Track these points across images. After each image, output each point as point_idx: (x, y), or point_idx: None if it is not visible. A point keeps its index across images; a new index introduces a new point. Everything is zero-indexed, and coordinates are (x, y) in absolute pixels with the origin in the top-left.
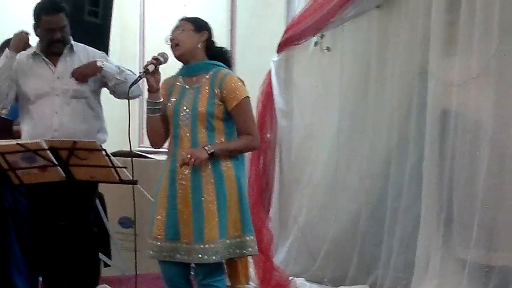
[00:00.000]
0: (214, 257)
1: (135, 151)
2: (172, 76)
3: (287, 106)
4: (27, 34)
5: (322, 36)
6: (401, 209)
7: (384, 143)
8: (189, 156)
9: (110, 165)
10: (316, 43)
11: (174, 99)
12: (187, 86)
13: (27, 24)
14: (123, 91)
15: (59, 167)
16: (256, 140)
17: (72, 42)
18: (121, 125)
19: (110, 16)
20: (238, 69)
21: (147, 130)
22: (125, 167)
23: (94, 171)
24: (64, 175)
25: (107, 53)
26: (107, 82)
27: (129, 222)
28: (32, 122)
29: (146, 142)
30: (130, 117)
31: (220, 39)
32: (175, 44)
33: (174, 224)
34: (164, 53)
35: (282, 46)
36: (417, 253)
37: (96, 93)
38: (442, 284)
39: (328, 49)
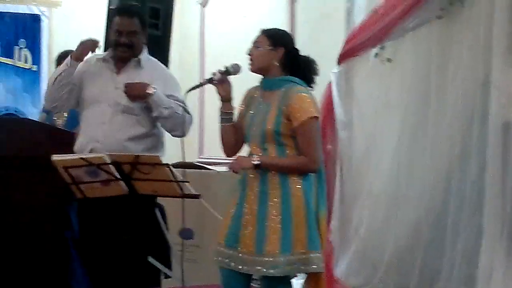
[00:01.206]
0: (272, 271)
1: (195, 162)
2: (255, 86)
3: (347, 118)
4: (95, 42)
5: (382, 47)
6: (463, 221)
7: (446, 154)
8: (234, 161)
9: (173, 179)
10: (376, 54)
11: (251, 112)
12: (262, 100)
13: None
14: (166, 128)
15: (122, 181)
16: (312, 163)
17: (143, 56)
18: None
19: (170, 28)
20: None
21: (220, 139)
22: (187, 181)
23: (157, 185)
24: (127, 189)
25: (166, 65)
26: (152, 111)
27: (189, 233)
28: (82, 130)
29: (206, 153)
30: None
31: None
32: (250, 60)
33: (236, 232)
34: (237, 64)
35: (343, 58)
36: (480, 265)
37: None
38: None
39: (388, 60)
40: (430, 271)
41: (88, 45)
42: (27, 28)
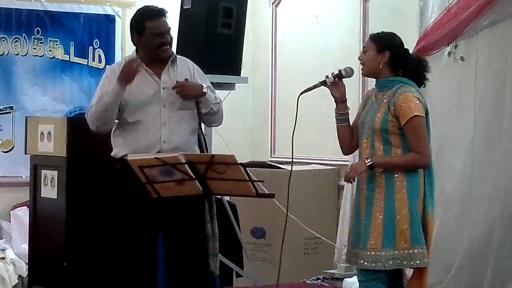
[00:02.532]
0: (374, 264)
1: (268, 162)
2: (373, 87)
3: None
4: (135, 59)
5: (455, 46)
6: None
7: None
8: (349, 170)
9: (247, 179)
10: (449, 53)
11: (365, 111)
12: (375, 100)
13: None
14: (211, 121)
15: (196, 181)
16: (423, 159)
17: (178, 57)
18: (252, 135)
19: (243, 27)
20: (370, 79)
21: (338, 139)
22: (262, 181)
23: (231, 185)
24: (201, 188)
25: (240, 65)
26: (201, 107)
27: (261, 232)
28: (137, 135)
29: (278, 152)
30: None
31: (352, 49)
32: (362, 64)
33: (357, 231)
34: (350, 67)
35: None
36: None
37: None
38: None
39: (462, 59)
40: (503, 272)
41: (132, 65)
42: (101, 29)
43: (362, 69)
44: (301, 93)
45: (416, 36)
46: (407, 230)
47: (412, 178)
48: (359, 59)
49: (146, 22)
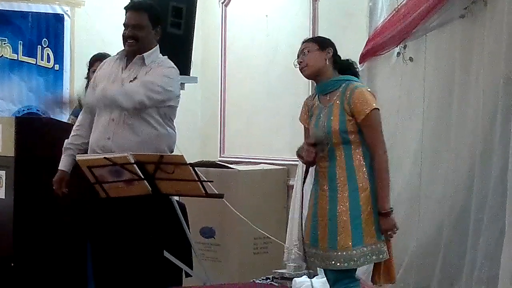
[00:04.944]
0: (346, 264)
1: (217, 161)
2: (310, 96)
3: None
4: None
5: (404, 47)
6: (485, 221)
7: (468, 153)
8: (386, 233)
9: (197, 179)
10: (398, 54)
11: (314, 121)
12: (322, 105)
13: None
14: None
15: (145, 181)
16: (383, 153)
17: (148, 54)
18: (202, 135)
19: (193, 27)
20: None
21: None
22: (211, 181)
23: (180, 185)
24: (150, 188)
25: (189, 65)
26: None
27: (210, 232)
28: (94, 128)
29: (228, 152)
30: None
31: None
32: (303, 66)
33: (315, 231)
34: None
35: (364, 57)
36: (501, 265)
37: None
38: None
39: (410, 59)
40: (451, 270)
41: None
42: (50, 28)
43: (303, 70)
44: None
45: (365, 37)
46: (373, 225)
47: (373, 175)
48: (299, 62)
49: (126, 11)
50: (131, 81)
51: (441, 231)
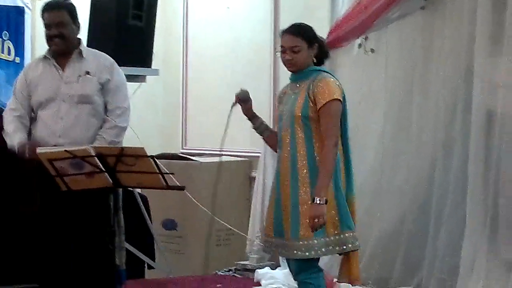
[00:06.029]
0: (307, 253)
1: (179, 154)
2: (286, 85)
3: None
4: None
5: (366, 38)
6: (446, 211)
7: (429, 145)
8: (313, 220)
9: (157, 171)
10: (360, 45)
11: (282, 107)
12: (292, 92)
13: None
14: None
15: (106, 174)
16: (333, 145)
17: (83, 47)
18: (163, 127)
19: (154, 19)
20: (281, 71)
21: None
22: (172, 173)
23: (141, 177)
24: (111, 181)
25: (150, 57)
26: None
27: (172, 224)
28: (39, 128)
29: (190, 144)
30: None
31: (264, 41)
32: (291, 63)
33: (280, 222)
34: (242, 90)
35: None
36: (462, 255)
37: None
38: (487, 286)
39: (372, 51)
40: (413, 260)
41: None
42: (11, 20)
43: (289, 66)
44: (225, 132)
45: (327, 29)
46: (336, 216)
47: (335, 165)
48: (287, 59)
49: (43, 15)
50: (80, 76)
51: (402, 222)
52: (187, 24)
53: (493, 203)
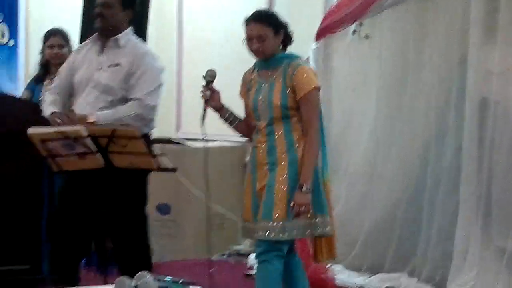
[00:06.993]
0: (281, 235)
1: (172, 138)
2: (249, 70)
3: (325, 94)
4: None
5: (360, 24)
6: (440, 198)
7: (423, 132)
8: (297, 207)
9: (148, 152)
10: (354, 31)
11: (252, 95)
12: (263, 80)
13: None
14: None
15: (98, 154)
16: (315, 133)
17: (122, 35)
18: (157, 112)
19: (148, 4)
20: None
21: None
22: (164, 154)
23: (133, 159)
24: (103, 162)
25: (145, 41)
26: None
27: (166, 208)
28: (75, 108)
29: (184, 129)
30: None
31: None
32: (258, 50)
33: (256, 208)
34: (210, 70)
35: (321, 34)
36: (455, 242)
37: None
38: (480, 273)
39: (366, 37)
40: (406, 247)
41: None
42: (4, 3)
43: (257, 54)
44: (202, 120)
45: (321, 14)
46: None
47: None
48: (255, 49)
49: None
50: (110, 65)
51: (396, 209)
52: (181, 7)
53: (486, 191)
